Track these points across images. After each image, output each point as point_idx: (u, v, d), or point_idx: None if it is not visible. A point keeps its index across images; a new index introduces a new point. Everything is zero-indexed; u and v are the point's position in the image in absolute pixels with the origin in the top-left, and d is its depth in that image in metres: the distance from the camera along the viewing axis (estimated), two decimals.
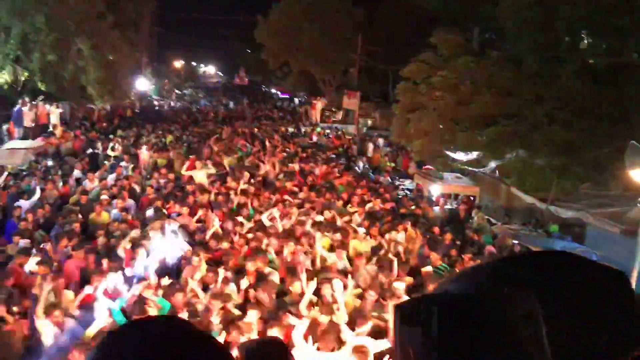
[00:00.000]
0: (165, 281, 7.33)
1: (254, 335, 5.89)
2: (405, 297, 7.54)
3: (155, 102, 41.34)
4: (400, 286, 8.04)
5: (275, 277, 7.92)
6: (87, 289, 6.73)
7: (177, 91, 55.24)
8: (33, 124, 20.16)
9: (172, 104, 43.33)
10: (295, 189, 13.34)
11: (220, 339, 5.74)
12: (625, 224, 10.07)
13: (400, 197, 14.40)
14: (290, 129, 27.93)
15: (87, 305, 6.68)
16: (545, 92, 12.42)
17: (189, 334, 0.88)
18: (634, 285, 0.82)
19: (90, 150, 17.88)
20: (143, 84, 35.98)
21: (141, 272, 7.69)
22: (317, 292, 7.35)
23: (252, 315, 6.41)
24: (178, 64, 68.86)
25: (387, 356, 5.61)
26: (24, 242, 8.33)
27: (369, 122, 30.26)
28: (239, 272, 7.86)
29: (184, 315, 6.32)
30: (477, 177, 15.15)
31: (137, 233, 9.11)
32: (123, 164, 15.24)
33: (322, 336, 6.02)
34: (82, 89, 21.81)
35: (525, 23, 13.63)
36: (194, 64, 78.03)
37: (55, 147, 17.61)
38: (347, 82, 34.63)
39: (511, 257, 0.96)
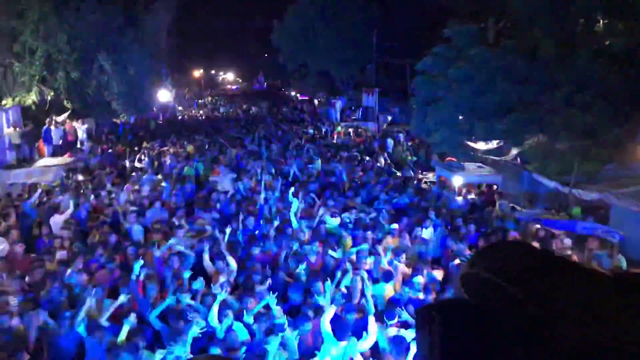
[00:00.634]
0: (198, 284, 7.60)
1: None
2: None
3: (178, 113, 42.03)
4: (438, 275, 8.27)
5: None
6: (121, 299, 6.95)
7: (198, 100, 55.97)
8: (61, 142, 20.83)
9: (194, 112, 43.96)
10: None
11: None
12: None
13: (422, 189, 14.52)
14: (311, 130, 28.17)
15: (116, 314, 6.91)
16: (561, 76, 12.39)
17: None
18: None
19: (118, 163, 18.39)
20: (164, 95, 36.61)
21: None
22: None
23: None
24: (197, 73, 69.76)
25: None
26: (61, 254, 8.70)
27: (389, 117, 30.32)
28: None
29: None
30: (499, 165, 15.16)
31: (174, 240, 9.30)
32: (146, 176, 15.56)
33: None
34: (106, 104, 22.36)
35: (539, 10, 13.60)
36: (212, 71, 78.87)
37: (84, 163, 18.19)
38: (365, 80, 34.74)
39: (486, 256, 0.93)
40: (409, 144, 23.57)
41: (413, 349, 5.78)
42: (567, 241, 9.24)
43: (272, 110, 44.11)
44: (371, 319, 6.43)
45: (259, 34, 50.09)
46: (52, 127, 20.44)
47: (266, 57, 57.93)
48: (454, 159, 16.04)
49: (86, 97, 21.55)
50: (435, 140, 15.55)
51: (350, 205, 11.97)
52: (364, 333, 6.21)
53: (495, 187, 14.53)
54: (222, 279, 7.63)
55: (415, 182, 15.86)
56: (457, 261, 8.84)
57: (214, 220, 11.08)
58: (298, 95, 52.62)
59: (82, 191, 13.56)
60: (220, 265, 8.34)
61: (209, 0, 62.39)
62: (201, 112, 46.25)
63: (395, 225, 10.55)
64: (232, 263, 8.28)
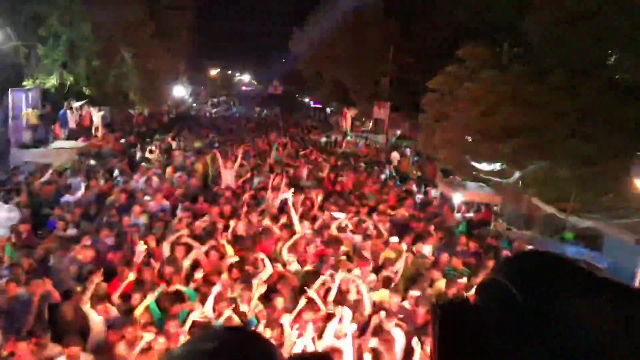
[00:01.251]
0: (199, 274, 7.90)
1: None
2: None
3: (192, 109, 42.57)
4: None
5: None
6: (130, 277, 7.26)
7: (212, 99, 56.51)
8: (76, 126, 21.32)
9: (208, 110, 44.47)
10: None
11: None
12: None
13: (423, 204, 14.83)
14: (323, 139, 28.57)
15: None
16: (568, 106, 12.70)
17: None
18: None
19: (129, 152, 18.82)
20: (180, 91, 37.12)
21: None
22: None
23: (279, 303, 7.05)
24: (214, 72, 70.36)
25: None
26: (71, 231, 9.07)
27: (398, 132, 30.66)
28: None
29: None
30: (500, 187, 15.47)
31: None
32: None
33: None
34: (123, 95, 22.83)
35: (552, 39, 13.93)
36: (229, 72, 79.45)
37: (97, 148, 18.65)
38: (379, 93, 35.07)
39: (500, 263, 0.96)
40: (415, 159, 23.90)
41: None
42: None
43: (284, 115, 44.56)
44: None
45: (278, 39, 50.61)
46: (69, 112, 20.92)
47: (284, 63, 58.52)
48: (457, 177, 16.36)
49: (105, 85, 22.04)
50: (440, 157, 15.88)
51: (352, 211, 12.19)
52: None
53: (495, 207, 14.85)
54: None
55: (417, 196, 16.16)
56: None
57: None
58: (311, 102, 53.08)
59: (93, 175, 13.96)
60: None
61: (230, 1, 63.19)
62: (214, 110, 46.77)
63: (395, 238, 10.77)
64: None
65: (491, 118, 13.85)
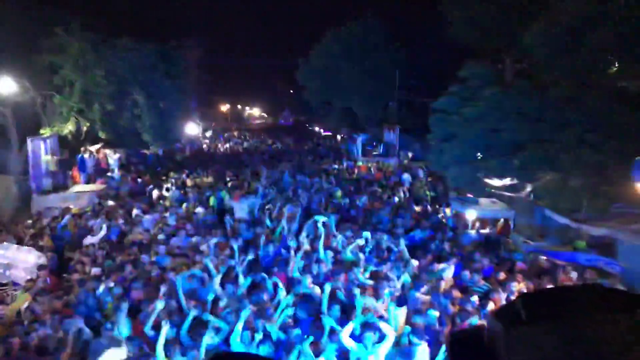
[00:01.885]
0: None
1: None
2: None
3: (205, 146, 43.20)
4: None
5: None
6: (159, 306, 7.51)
7: (224, 134, 57.23)
8: (94, 169, 21.90)
9: (220, 146, 45.08)
10: None
11: None
12: None
13: (437, 224, 14.96)
14: (335, 166, 28.86)
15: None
16: (573, 116, 12.88)
17: None
18: None
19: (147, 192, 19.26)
20: (192, 129, 37.79)
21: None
22: None
23: None
24: (224, 107, 71.36)
25: None
26: (95, 270, 9.38)
27: (410, 154, 30.89)
28: None
29: None
30: (513, 201, 15.59)
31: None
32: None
33: None
34: (137, 135, 23.41)
35: (554, 52, 14.15)
36: (239, 106, 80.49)
37: (115, 190, 19.13)
38: (387, 117, 35.44)
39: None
40: (428, 179, 24.05)
41: None
42: (574, 274, 9.61)
43: (296, 145, 45.00)
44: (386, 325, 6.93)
45: (285, 71, 51.43)
46: (86, 156, 21.51)
47: (292, 93, 59.31)
48: (470, 194, 16.49)
49: (119, 128, 22.65)
50: (451, 175, 16.07)
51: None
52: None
53: (509, 221, 14.95)
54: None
55: (430, 217, 16.28)
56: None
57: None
58: (321, 130, 53.53)
59: (113, 216, 14.35)
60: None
61: (236, 37, 64.48)
62: (227, 145, 47.38)
63: (415, 262, 10.68)
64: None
65: (497, 134, 14.06)
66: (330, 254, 10.59)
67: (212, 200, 17.11)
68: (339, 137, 46.00)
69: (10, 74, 18.40)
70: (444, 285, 9.51)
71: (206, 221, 14.36)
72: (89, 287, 8.28)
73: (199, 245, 11.48)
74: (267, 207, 14.97)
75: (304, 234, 11.37)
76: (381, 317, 7.74)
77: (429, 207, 18.27)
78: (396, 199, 18.93)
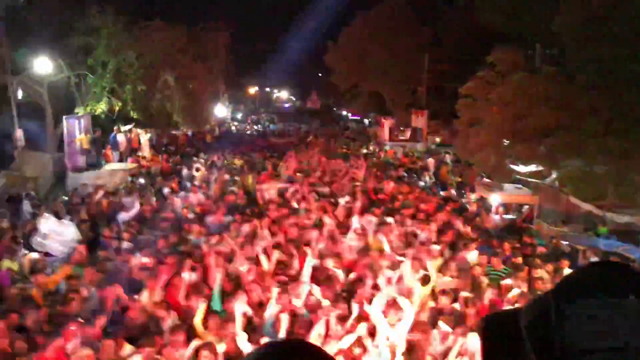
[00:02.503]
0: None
1: None
2: None
3: (233, 128, 43.71)
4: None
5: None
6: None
7: (252, 116, 57.71)
8: (126, 149, 22.48)
9: (248, 128, 45.53)
10: None
11: None
12: None
13: (461, 209, 15.05)
14: (363, 150, 29.02)
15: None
16: (599, 103, 12.82)
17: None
18: None
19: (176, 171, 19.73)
20: (221, 111, 38.26)
21: None
22: None
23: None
24: (252, 90, 71.77)
25: None
26: (127, 245, 9.80)
27: (437, 139, 30.86)
28: None
29: None
30: (538, 187, 15.60)
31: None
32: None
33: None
34: (167, 117, 23.90)
35: (582, 38, 14.05)
36: (267, 89, 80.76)
37: (146, 169, 19.66)
38: (416, 101, 35.35)
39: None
40: (455, 164, 24.04)
41: None
42: (594, 259, 9.69)
43: (323, 129, 45.13)
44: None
45: (314, 54, 51.42)
46: (119, 135, 22.09)
47: (320, 77, 59.34)
48: (495, 180, 16.53)
49: (150, 108, 23.16)
50: (477, 160, 16.13)
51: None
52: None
53: (534, 207, 14.98)
54: None
55: (455, 201, 16.35)
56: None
57: None
58: (349, 114, 53.54)
59: (144, 194, 14.81)
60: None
61: (265, 20, 64.62)
62: (255, 127, 47.85)
63: (437, 246, 10.58)
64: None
65: (524, 120, 14.06)
66: (354, 237, 10.72)
67: (240, 182, 17.42)
68: (366, 121, 46.02)
69: (46, 54, 18.99)
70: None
71: (235, 202, 14.68)
72: (122, 261, 8.69)
73: (229, 225, 11.79)
74: (292, 190, 15.21)
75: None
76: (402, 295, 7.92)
77: (454, 192, 18.34)
78: (422, 183, 19.05)
